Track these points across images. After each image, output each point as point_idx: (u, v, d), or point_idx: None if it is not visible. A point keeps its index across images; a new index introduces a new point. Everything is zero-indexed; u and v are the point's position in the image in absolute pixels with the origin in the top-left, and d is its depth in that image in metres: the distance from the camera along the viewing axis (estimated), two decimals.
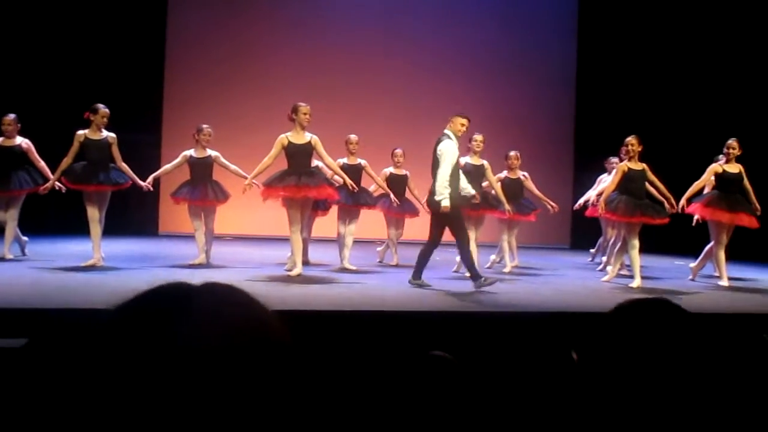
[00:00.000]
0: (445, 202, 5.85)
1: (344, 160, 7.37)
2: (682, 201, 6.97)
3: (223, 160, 7.03)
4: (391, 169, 7.92)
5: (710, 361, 0.85)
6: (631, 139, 6.79)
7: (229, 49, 11.14)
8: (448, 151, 5.96)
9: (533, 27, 12.10)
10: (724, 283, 6.95)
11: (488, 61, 11.86)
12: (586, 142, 11.44)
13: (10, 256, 6.76)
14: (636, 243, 6.64)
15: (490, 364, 3.22)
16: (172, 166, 7.12)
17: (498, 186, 7.50)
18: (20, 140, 6.87)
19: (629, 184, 6.71)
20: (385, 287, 6.08)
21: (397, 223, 8.05)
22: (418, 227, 8.88)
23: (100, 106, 6.57)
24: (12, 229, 6.83)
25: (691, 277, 7.39)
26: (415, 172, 8.15)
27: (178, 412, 0.51)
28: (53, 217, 9.02)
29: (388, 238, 8.10)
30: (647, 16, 11.35)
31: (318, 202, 7.02)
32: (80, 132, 6.54)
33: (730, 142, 7.09)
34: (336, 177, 6.93)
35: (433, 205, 6.02)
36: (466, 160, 7.10)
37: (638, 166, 6.76)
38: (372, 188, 7.73)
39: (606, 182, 7.63)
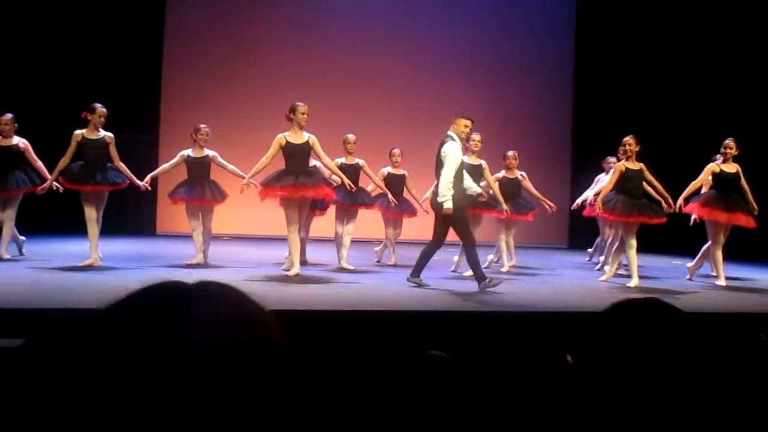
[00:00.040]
0: (448, 204, 5.85)
1: (342, 160, 7.37)
2: (680, 201, 6.99)
3: (220, 159, 7.03)
4: (389, 169, 7.92)
5: (704, 360, 0.85)
6: (628, 139, 6.80)
7: (227, 49, 11.12)
8: (452, 152, 5.95)
9: (531, 27, 12.11)
10: (722, 282, 6.96)
11: (486, 61, 11.86)
12: (584, 142, 11.45)
13: (8, 256, 6.75)
14: (633, 243, 6.65)
15: (488, 363, 3.22)
16: (170, 165, 7.11)
17: (496, 186, 7.51)
18: (17, 140, 6.86)
19: (627, 183, 6.72)
20: (383, 287, 6.08)
21: (395, 223, 8.05)
22: (416, 227, 8.88)
23: (98, 105, 6.56)
24: (9, 228, 6.82)
25: (688, 276, 7.40)
26: (413, 171, 8.16)
27: (172, 411, 0.51)
28: (51, 217, 9.01)
29: (386, 237, 8.10)
30: (645, 17, 11.37)
31: (316, 201, 7.01)
32: (78, 132, 6.53)
33: (727, 141, 7.11)
34: (334, 177, 6.93)
35: (437, 206, 6.02)
36: (464, 159, 7.10)
37: (636, 165, 6.77)
38: (370, 188, 7.73)
39: (603, 182, 7.64)
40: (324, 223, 8.10)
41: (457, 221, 5.99)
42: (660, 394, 0.83)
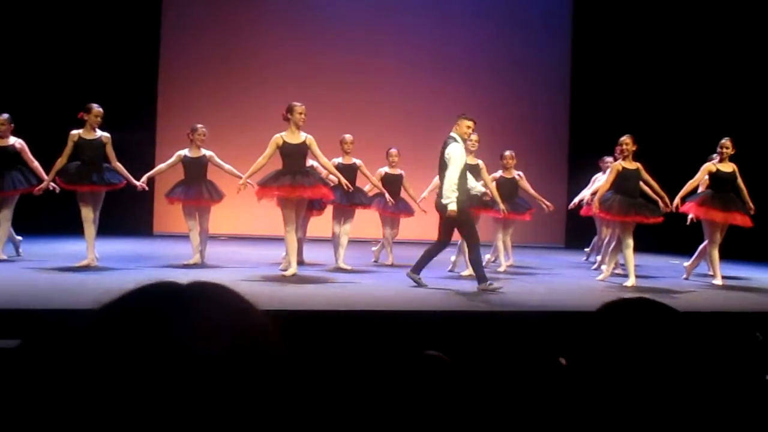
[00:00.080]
0: (452, 206, 5.86)
1: (339, 160, 7.37)
2: (676, 200, 7.00)
3: (217, 159, 7.02)
4: (386, 169, 7.92)
5: (698, 359, 0.85)
6: (625, 139, 6.81)
7: (224, 49, 11.11)
8: (456, 154, 5.95)
9: (528, 27, 12.12)
10: (718, 281, 6.98)
11: (483, 61, 11.87)
12: (581, 142, 11.47)
13: (4, 257, 6.74)
14: (630, 242, 6.66)
15: (485, 363, 3.22)
16: (167, 165, 7.11)
17: (493, 185, 7.51)
18: (14, 140, 6.85)
19: (624, 183, 6.73)
20: (381, 287, 6.08)
21: (392, 223, 8.05)
22: (414, 227, 8.89)
23: (94, 105, 6.55)
24: (6, 229, 6.80)
25: (685, 275, 7.42)
26: (410, 171, 8.16)
27: (166, 412, 0.51)
28: (47, 218, 8.99)
29: (384, 237, 8.10)
30: (641, 17, 11.39)
31: (313, 201, 7.01)
32: (74, 132, 6.52)
33: (723, 141, 7.12)
34: (331, 177, 6.92)
35: (441, 208, 6.02)
36: None
37: (632, 165, 6.78)
38: (367, 188, 7.73)
39: (600, 181, 7.65)
40: (321, 223, 8.10)
41: (462, 222, 5.99)
42: (652, 393, 0.83)
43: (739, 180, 7.07)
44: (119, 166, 6.64)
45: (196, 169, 6.96)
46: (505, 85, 11.86)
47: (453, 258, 7.46)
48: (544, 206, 8.13)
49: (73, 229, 7.06)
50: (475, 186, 6.38)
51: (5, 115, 6.85)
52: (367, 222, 8.59)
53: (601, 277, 7.11)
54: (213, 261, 7.16)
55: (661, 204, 6.83)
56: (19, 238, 7.13)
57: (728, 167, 7.08)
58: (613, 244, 7.13)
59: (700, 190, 7.29)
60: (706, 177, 7.16)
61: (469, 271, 7.02)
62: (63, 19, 10.05)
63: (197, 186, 6.91)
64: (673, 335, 0.88)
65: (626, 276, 6.78)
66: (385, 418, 1.46)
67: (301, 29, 11.34)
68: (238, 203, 7.55)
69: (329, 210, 7.57)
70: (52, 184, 6.60)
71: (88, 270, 6.22)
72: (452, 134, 6.13)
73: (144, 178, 6.93)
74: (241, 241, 10.03)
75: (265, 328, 0.60)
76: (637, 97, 11.19)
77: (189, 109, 10.16)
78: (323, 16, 11.51)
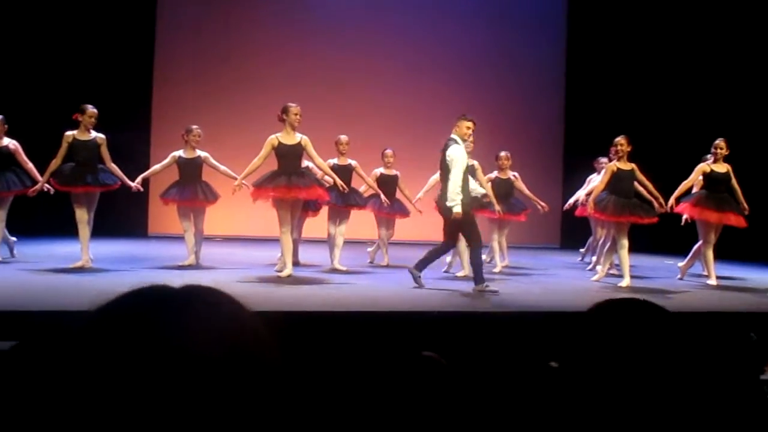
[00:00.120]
0: (457, 209, 5.86)
1: (334, 161, 7.37)
2: (671, 200, 7.02)
3: (212, 160, 7.01)
4: (381, 170, 7.92)
5: (688, 359, 0.86)
6: (620, 139, 6.83)
7: (218, 49, 11.10)
8: (458, 156, 5.94)
9: (523, 27, 12.13)
10: (713, 282, 7.00)
11: (478, 61, 11.88)
12: (576, 142, 11.49)
13: None
14: (625, 242, 6.68)
15: (481, 364, 3.22)
16: (161, 166, 7.09)
17: (488, 186, 7.52)
18: (8, 141, 6.82)
19: (618, 183, 6.75)
20: (376, 288, 6.08)
21: (388, 224, 8.05)
22: (409, 228, 8.89)
23: (88, 106, 6.53)
24: (0, 230, 6.78)
25: (679, 276, 7.44)
26: (405, 172, 8.16)
27: (159, 415, 0.51)
28: (42, 219, 8.96)
29: (379, 238, 8.10)
30: (636, 17, 11.42)
31: (308, 202, 7.00)
32: (69, 133, 6.50)
33: (717, 142, 7.15)
34: (326, 177, 6.92)
35: (445, 210, 6.02)
36: None
37: (627, 166, 6.80)
38: (362, 189, 7.72)
39: (595, 182, 7.67)
40: (316, 224, 8.09)
41: (465, 224, 5.98)
42: (643, 393, 0.83)
43: (734, 180, 7.10)
44: (114, 167, 6.62)
45: (191, 170, 6.95)
46: (500, 86, 11.88)
47: (448, 259, 7.46)
48: (540, 207, 8.15)
49: (67, 230, 7.04)
50: (475, 188, 6.38)
51: None
52: (362, 223, 8.59)
53: (596, 277, 7.12)
54: (208, 262, 7.15)
55: (655, 204, 6.85)
56: (14, 239, 7.11)
57: (722, 168, 7.11)
58: (608, 244, 7.15)
59: (694, 190, 7.32)
60: (701, 177, 7.19)
61: (464, 272, 7.03)
62: (57, 19, 10.02)
63: (192, 187, 6.89)
64: (663, 335, 0.88)
65: (621, 276, 6.80)
66: (380, 419, 1.46)
67: (296, 29, 11.33)
68: (233, 204, 7.54)
69: (324, 211, 7.56)
70: (47, 185, 6.58)
71: (83, 271, 6.20)
72: (452, 136, 6.11)
73: (139, 179, 6.91)
74: (236, 242, 10.02)
75: (257, 331, 0.61)
76: (632, 97, 11.22)
77: (184, 110, 10.14)
78: (318, 16, 11.50)
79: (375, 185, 7.63)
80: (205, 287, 0.63)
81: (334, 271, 7.00)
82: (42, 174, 6.60)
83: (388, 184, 7.80)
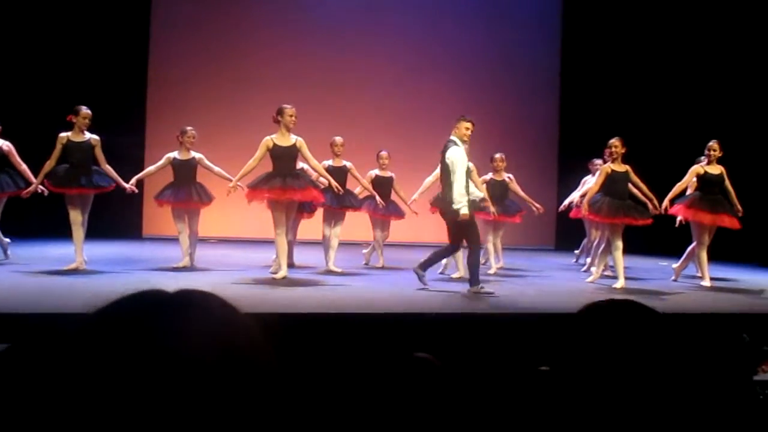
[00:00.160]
0: (464, 211, 5.86)
1: (329, 163, 7.37)
2: (665, 202, 7.05)
3: (207, 162, 7.00)
4: (376, 171, 7.93)
5: (678, 360, 0.86)
6: (614, 141, 6.85)
7: (213, 50, 11.08)
8: (458, 158, 5.94)
9: (518, 29, 12.16)
10: (707, 283, 7.02)
11: (473, 62, 11.90)
12: (571, 144, 11.51)
13: None
14: (619, 244, 6.70)
15: (476, 365, 3.23)
16: (156, 167, 7.08)
17: (483, 188, 7.53)
18: (1, 143, 6.80)
19: (612, 185, 6.77)
20: (371, 289, 6.08)
21: (383, 225, 8.05)
22: (404, 229, 8.90)
23: (82, 107, 6.51)
24: None
25: (673, 277, 7.46)
26: (400, 174, 8.16)
27: (151, 420, 0.51)
28: (35, 220, 8.92)
29: (374, 240, 8.09)
30: (631, 19, 11.45)
31: (303, 204, 7.00)
32: (63, 134, 6.48)
33: (710, 143, 7.18)
34: (321, 179, 6.92)
35: (448, 212, 6.02)
36: None
37: (621, 167, 6.82)
38: (357, 190, 7.72)
39: (590, 184, 7.69)
40: (311, 226, 8.08)
41: (466, 225, 5.99)
42: (633, 395, 0.83)
43: (727, 182, 7.13)
44: (109, 168, 6.60)
45: (185, 171, 6.94)
46: (495, 87, 11.90)
47: (444, 260, 7.46)
48: (534, 208, 8.16)
49: (61, 232, 7.02)
50: (474, 191, 6.39)
51: None
52: (357, 224, 8.59)
53: (590, 278, 7.14)
54: (203, 264, 7.13)
55: (650, 206, 6.87)
56: (8, 240, 7.08)
57: (716, 169, 7.14)
58: (603, 246, 7.16)
59: (688, 192, 7.34)
60: (694, 179, 7.21)
61: (459, 273, 7.03)
62: (51, 20, 9.99)
63: (186, 188, 6.88)
64: (651, 336, 0.88)
65: (615, 278, 6.82)
66: (376, 421, 1.46)
67: (291, 30, 11.32)
68: (228, 206, 7.53)
69: (319, 212, 7.56)
70: (41, 186, 6.56)
71: (77, 273, 6.18)
72: (451, 137, 6.10)
73: (133, 180, 6.90)
74: (230, 244, 10.00)
75: (251, 334, 0.61)
76: (627, 99, 11.26)
77: (178, 111, 10.12)
78: (313, 17, 11.50)
79: (370, 187, 7.63)
80: (199, 291, 0.63)
81: (329, 272, 6.99)
82: (36, 175, 6.57)
83: (383, 185, 7.81)
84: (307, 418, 0.62)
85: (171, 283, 5.61)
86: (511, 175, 8.10)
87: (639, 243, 8.56)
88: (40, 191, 6.61)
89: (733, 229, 7.09)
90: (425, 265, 6.09)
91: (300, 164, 6.84)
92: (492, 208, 7.35)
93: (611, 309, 0.94)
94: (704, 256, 7.12)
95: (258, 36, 11.28)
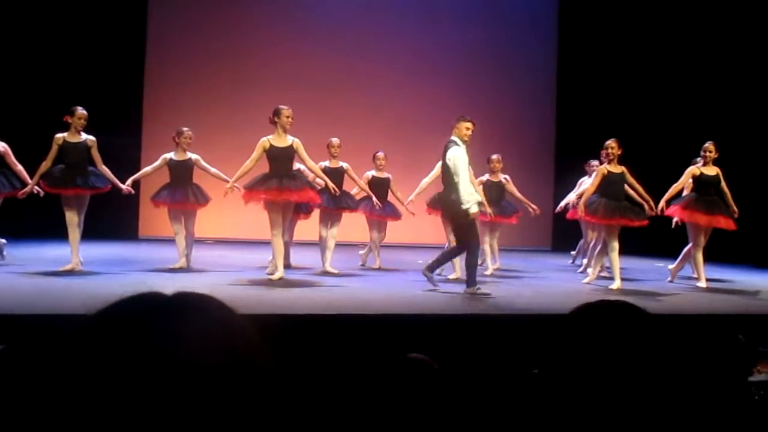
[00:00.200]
0: (474, 209, 5.90)
1: (326, 163, 7.36)
2: (661, 203, 7.06)
3: (203, 163, 6.99)
4: (373, 172, 7.93)
5: (668, 362, 0.86)
6: (610, 143, 6.86)
7: (210, 51, 11.07)
8: (460, 157, 5.95)
9: (515, 30, 12.18)
10: (702, 284, 7.04)
11: (470, 64, 11.91)
12: (567, 145, 11.53)
13: None
14: (616, 245, 6.71)
15: (472, 366, 3.23)
16: (152, 168, 7.07)
17: (480, 189, 7.53)
18: None
19: (609, 186, 6.78)
20: (368, 290, 6.08)
21: (380, 226, 8.05)
22: (401, 230, 8.89)
23: (78, 108, 6.50)
24: None
25: (669, 278, 7.48)
26: (397, 175, 8.16)
27: (151, 422, 0.51)
28: (31, 221, 8.90)
29: (371, 241, 8.09)
30: (627, 21, 11.48)
31: (300, 205, 7.00)
32: (59, 135, 6.47)
33: (706, 145, 7.20)
34: (318, 180, 6.92)
35: (451, 212, 6.03)
36: None
37: (618, 169, 6.84)
38: (354, 191, 7.73)
39: (586, 185, 7.70)
40: (308, 227, 8.08)
41: (466, 225, 6.00)
42: (623, 396, 0.83)
43: (723, 183, 7.15)
44: (105, 169, 6.59)
45: (181, 172, 6.93)
46: (491, 88, 11.91)
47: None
48: (531, 209, 8.17)
49: (57, 232, 7.00)
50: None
51: None
52: (354, 225, 8.59)
53: (586, 279, 7.15)
54: (199, 265, 7.12)
55: (646, 207, 6.89)
56: (3, 241, 7.06)
57: (712, 171, 7.16)
58: (599, 247, 7.17)
59: (684, 193, 7.36)
60: (690, 180, 7.23)
61: (455, 274, 7.03)
62: (47, 20, 9.96)
63: (183, 189, 6.87)
64: (642, 337, 0.88)
65: (612, 279, 6.83)
66: (373, 421, 1.46)
67: (288, 31, 11.32)
68: (225, 206, 7.52)
69: (316, 213, 7.55)
70: (36, 187, 6.54)
71: (73, 274, 6.16)
72: (452, 137, 6.12)
73: (129, 181, 6.88)
74: (227, 245, 9.99)
75: (249, 336, 0.61)
76: (623, 100, 11.28)
77: (175, 112, 10.11)
78: (310, 18, 11.50)
79: (367, 188, 7.63)
80: (197, 294, 0.63)
81: (326, 273, 6.99)
82: (32, 176, 6.56)
83: (379, 186, 7.81)
84: (304, 419, 0.62)
85: (167, 284, 5.60)
86: (507, 176, 8.11)
87: (635, 244, 8.58)
88: (35, 192, 6.59)
89: (728, 230, 7.11)
90: (433, 267, 6.13)
91: (296, 165, 6.84)
92: (489, 209, 7.35)
93: (601, 311, 0.94)
94: (700, 257, 7.14)
95: (255, 37, 11.27)
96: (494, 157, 8.03)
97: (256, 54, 11.23)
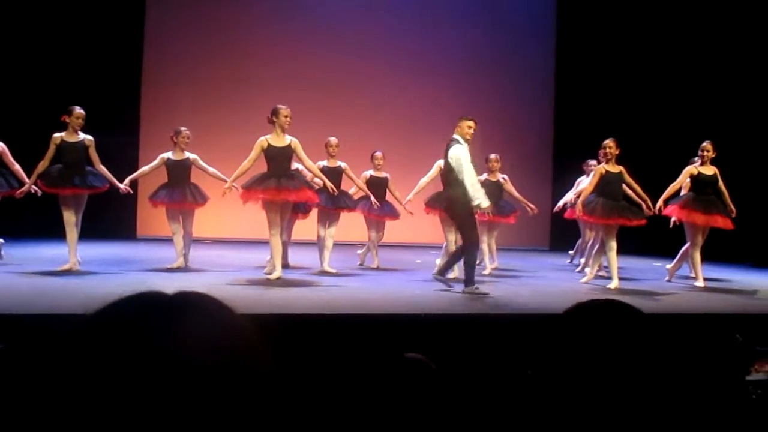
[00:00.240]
0: (484, 203, 5.95)
1: (324, 163, 7.36)
2: (659, 203, 7.07)
3: (201, 162, 6.99)
4: (371, 172, 7.93)
5: (665, 361, 0.86)
6: (608, 142, 6.87)
7: (207, 51, 11.06)
8: (462, 155, 5.98)
9: (513, 31, 12.18)
10: (700, 283, 7.05)
11: (469, 64, 11.91)
12: (565, 145, 11.55)
13: None
14: (614, 244, 6.72)
15: (470, 366, 3.23)
16: (150, 168, 7.06)
17: None
18: None
19: (607, 186, 6.79)
20: (366, 290, 6.08)
21: (378, 226, 8.05)
22: (399, 230, 8.89)
23: (75, 107, 6.49)
24: None
25: (667, 278, 7.49)
26: (395, 174, 8.16)
27: (150, 422, 0.51)
28: (29, 221, 8.89)
29: (369, 240, 8.10)
30: (625, 21, 11.49)
31: (298, 204, 6.99)
32: (56, 135, 6.46)
33: (704, 144, 7.20)
34: (316, 180, 6.92)
35: (453, 209, 6.05)
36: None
37: (615, 168, 6.84)
38: (352, 191, 7.73)
39: (584, 184, 7.71)
40: (306, 227, 8.08)
41: (465, 224, 6.01)
42: (617, 396, 0.83)
43: (721, 183, 7.16)
44: (103, 169, 6.58)
45: (179, 172, 6.92)
46: (490, 89, 11.91)
47: (438, 261, 7.46)
48: (529, 209, 8.18)
49: (55, 232, 6.99)
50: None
51: None
52: (352, 225, 8.59)
53: (584, 279, 7.15)
54: (197, 264, 7.12)
55: (643, 207, 6.89)
56: (1, 240, 7.05)
57: (710, 170, 7.16)
58: (597, 246, 7.18)
59: (682, 193, 7.37)
60: (688, 180, 7.24)
61: (454, 273, 7.03)
62: (44, 19, 9.95)
63: (181, 189, 6.86)
64: (636, 337, 0.88)
65: (610, 278, 6.84)
66: (371, 422, 1.46)
67: (286, 31, 11.31)
68: (223, 206, 7.52)
69: (314, 213, 7.55)
70: (34, 187, 6.53)
71: (70, 274, 6.16)
72: (454, 136, 6.15)
73: (127, 180, 6.87)
74: (225, 245, 9.99)
75: (248, 336, 0.61)
76: (621, 100, 11.29)
77: (173, 112, 10.10)
78: (309, 18, 11.49)
79: (365, 187, 7.63)
80: (197, 293, 0.63)
81: (324, 273, 6.99)
82: (29, 176, 6.55)
83: (377, 186, 7.81)
84: (302, 418, 0.62)
85: (166, 283, 5.59)
86: (505, 176, 8.12)
87: (633, 244, 8.59)
88: (33, 191, 6.58)
89: (726, 229, 7.12)
90: (444, 270, 6.17)
91: (295, 165, 6.84)
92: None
93: (593, 310, 0.94)
94: (697, 256, 7.15)
95: (253, 36, 11.27)
96: (492, 156, 8.03)
97: (254, 53, 11.22)
